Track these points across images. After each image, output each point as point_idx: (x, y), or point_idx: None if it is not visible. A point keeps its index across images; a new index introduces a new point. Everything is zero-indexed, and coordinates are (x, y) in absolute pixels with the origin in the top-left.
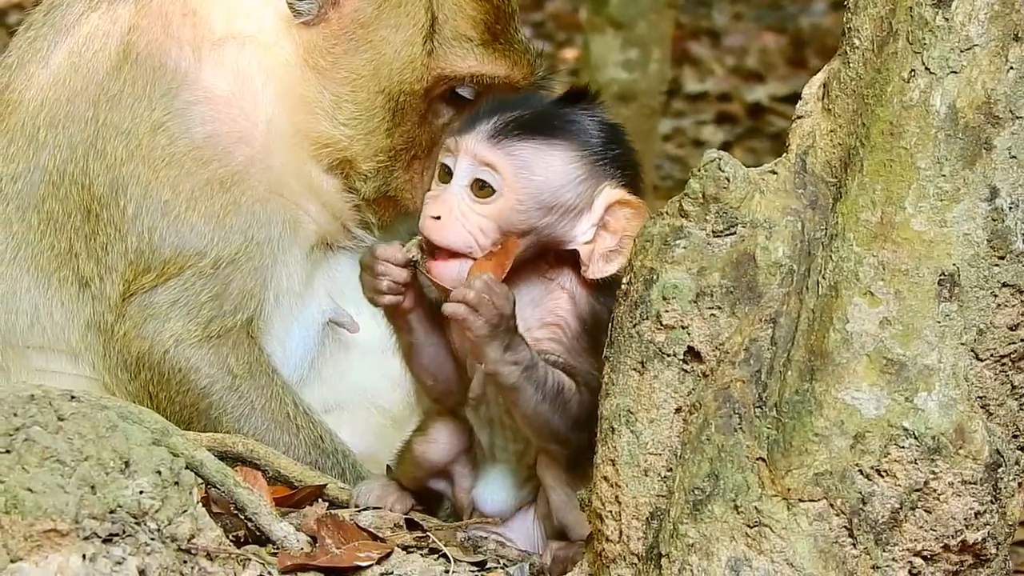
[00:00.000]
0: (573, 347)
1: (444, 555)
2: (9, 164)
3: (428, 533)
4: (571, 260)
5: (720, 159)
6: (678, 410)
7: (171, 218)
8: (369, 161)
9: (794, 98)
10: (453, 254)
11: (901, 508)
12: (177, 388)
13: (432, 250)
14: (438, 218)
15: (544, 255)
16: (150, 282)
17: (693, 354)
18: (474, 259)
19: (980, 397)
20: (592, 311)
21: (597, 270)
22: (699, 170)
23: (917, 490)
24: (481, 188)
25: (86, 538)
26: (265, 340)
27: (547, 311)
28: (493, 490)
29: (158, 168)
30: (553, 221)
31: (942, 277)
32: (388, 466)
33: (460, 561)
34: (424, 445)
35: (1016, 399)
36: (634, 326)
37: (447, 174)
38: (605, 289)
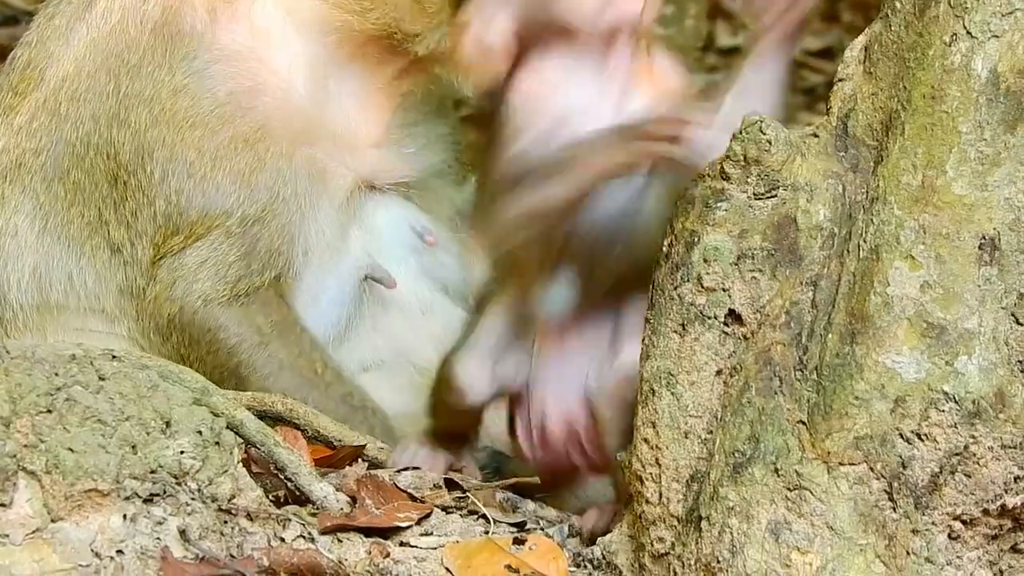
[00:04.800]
0: None
1: (484, 516)
2: (31, 138)
3: (468, 494)
4: None
5: (761, 121)
6: (719, 373)
7: (197, 179)
8: (415, 15)
9: (827, 53)
10: None
11: (941, 472)
12: (207, 348)
13: None
14: None
15: None
16: (179, 244)
17: (734, 317)
18: None
19: (1020, 361)
20: None
21: None
22: (740, 132)
23: (957, 454)
24: None
25: (127, 498)
26: (296, 298)
27: None
28: (560, 289)
29: (183, 130)
30: None
31: (983, 241)
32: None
33: (499, 522)
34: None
35: None
36: (675, 288)
37: None
38: None
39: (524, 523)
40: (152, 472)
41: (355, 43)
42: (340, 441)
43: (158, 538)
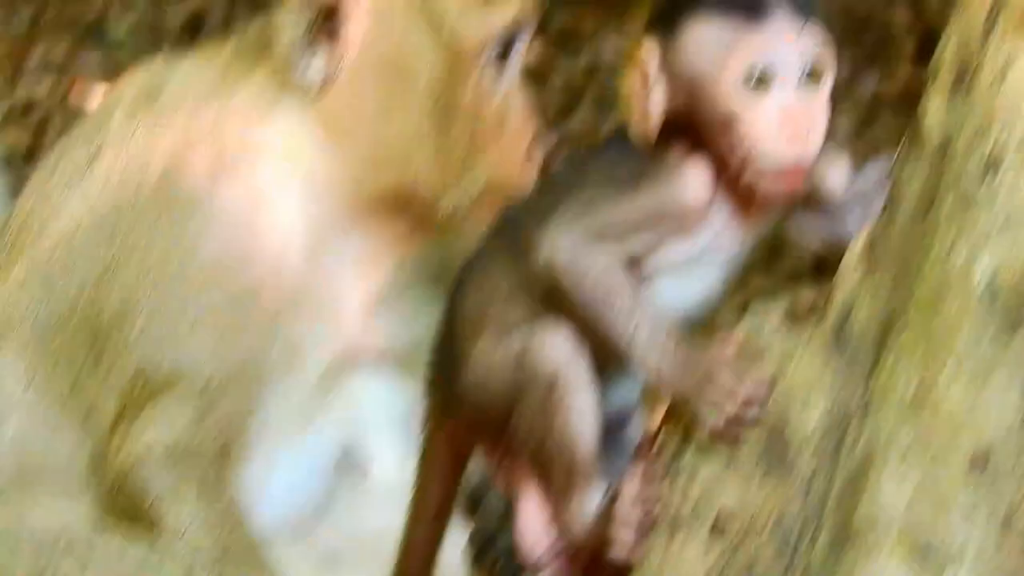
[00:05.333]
0: None
1: None
2: (24, 299)
3: None
4: None
5: (759, 320)
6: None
7: (174, 338)
8: (438, 170)
9: None
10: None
11: None
12: (137, 504)
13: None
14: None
15: None
16: (141, 402)
17: (721, 522)
18: None
19: None
20: None
21: None
22: (739, 331)
23: None
24: (813, 74)
25: None
26: (246, 469)
27: None
28: None
29: (170, 287)
30: None
31: (975, 453)
32: None
33: None
34: None
35: None
36: (666, 488)
37: (762, 79)
38: None
39: None
40: None
41: (365, 202)
42: None
43: None
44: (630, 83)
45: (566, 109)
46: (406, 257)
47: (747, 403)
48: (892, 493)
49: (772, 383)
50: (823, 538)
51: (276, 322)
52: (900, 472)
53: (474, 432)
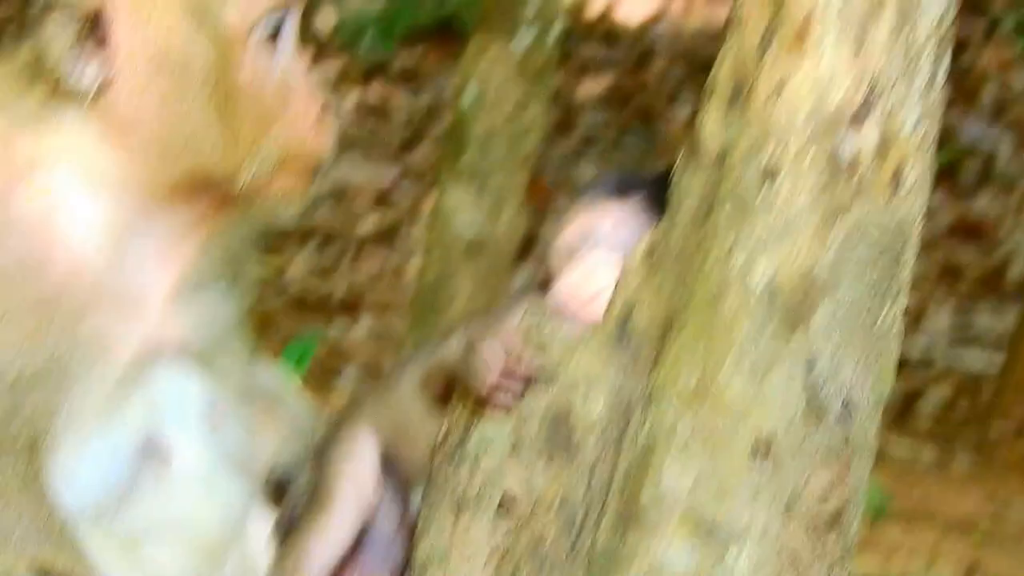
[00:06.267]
0: None
1: None
2: None
3: None
4: None
5: (542, 315)
6: (491, 555)
7: None
8: (228, 150)
9: None
10: None
11: None
12: None
13: None
14: None
15: None
16: None
17: (508, 502)
18: None
19: (791, 560)
20: None
21: None
22: (521, 323)
23: None
24: None
25: None
26: (56, 460)
27: None
28: None
29: None
30: None
31: (757, 440)
32: None
33: None
34: None
35: (825, 562)
36: (452, 470)
37: None
38: None
39: None
40: None
41: (160, 193)
42: None
43: None
44: None
45: (408, 144)
46: (209, 239)
47: (509, 373)
48: (675, 478)
49: (544, 365)
50: (608, 519)
51: (79, 320)
52: (682, 459)
53: None
